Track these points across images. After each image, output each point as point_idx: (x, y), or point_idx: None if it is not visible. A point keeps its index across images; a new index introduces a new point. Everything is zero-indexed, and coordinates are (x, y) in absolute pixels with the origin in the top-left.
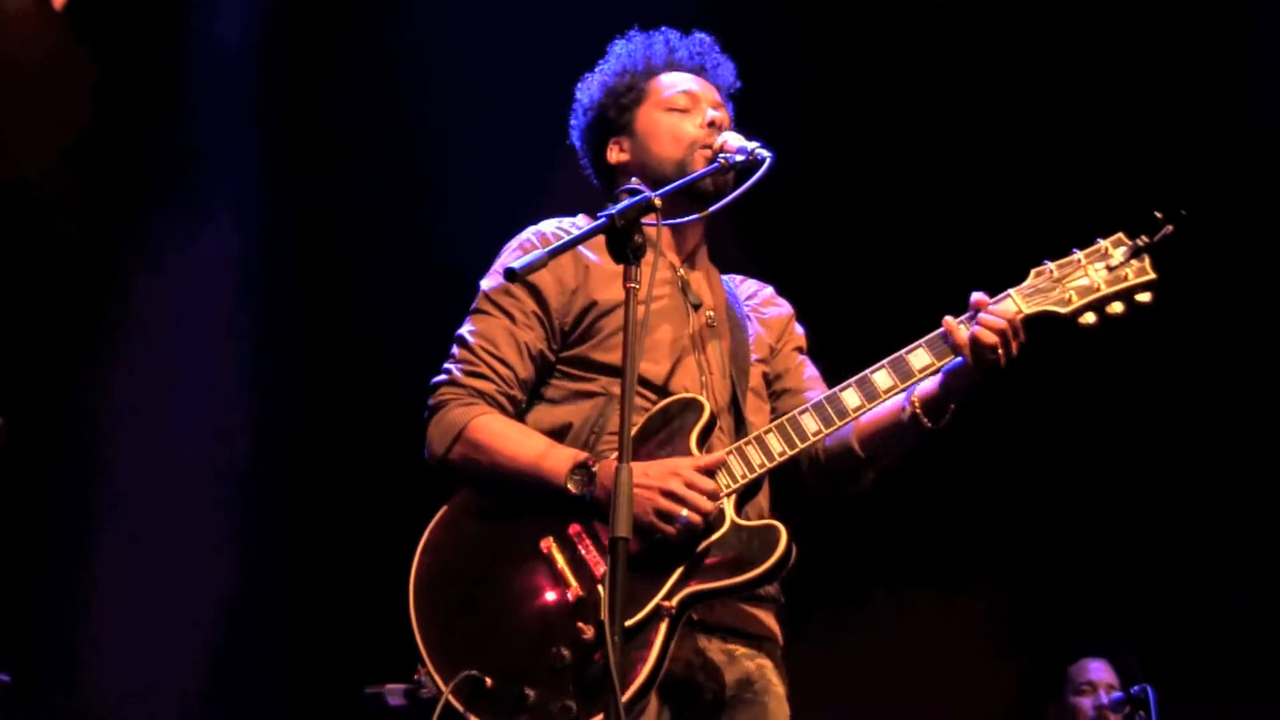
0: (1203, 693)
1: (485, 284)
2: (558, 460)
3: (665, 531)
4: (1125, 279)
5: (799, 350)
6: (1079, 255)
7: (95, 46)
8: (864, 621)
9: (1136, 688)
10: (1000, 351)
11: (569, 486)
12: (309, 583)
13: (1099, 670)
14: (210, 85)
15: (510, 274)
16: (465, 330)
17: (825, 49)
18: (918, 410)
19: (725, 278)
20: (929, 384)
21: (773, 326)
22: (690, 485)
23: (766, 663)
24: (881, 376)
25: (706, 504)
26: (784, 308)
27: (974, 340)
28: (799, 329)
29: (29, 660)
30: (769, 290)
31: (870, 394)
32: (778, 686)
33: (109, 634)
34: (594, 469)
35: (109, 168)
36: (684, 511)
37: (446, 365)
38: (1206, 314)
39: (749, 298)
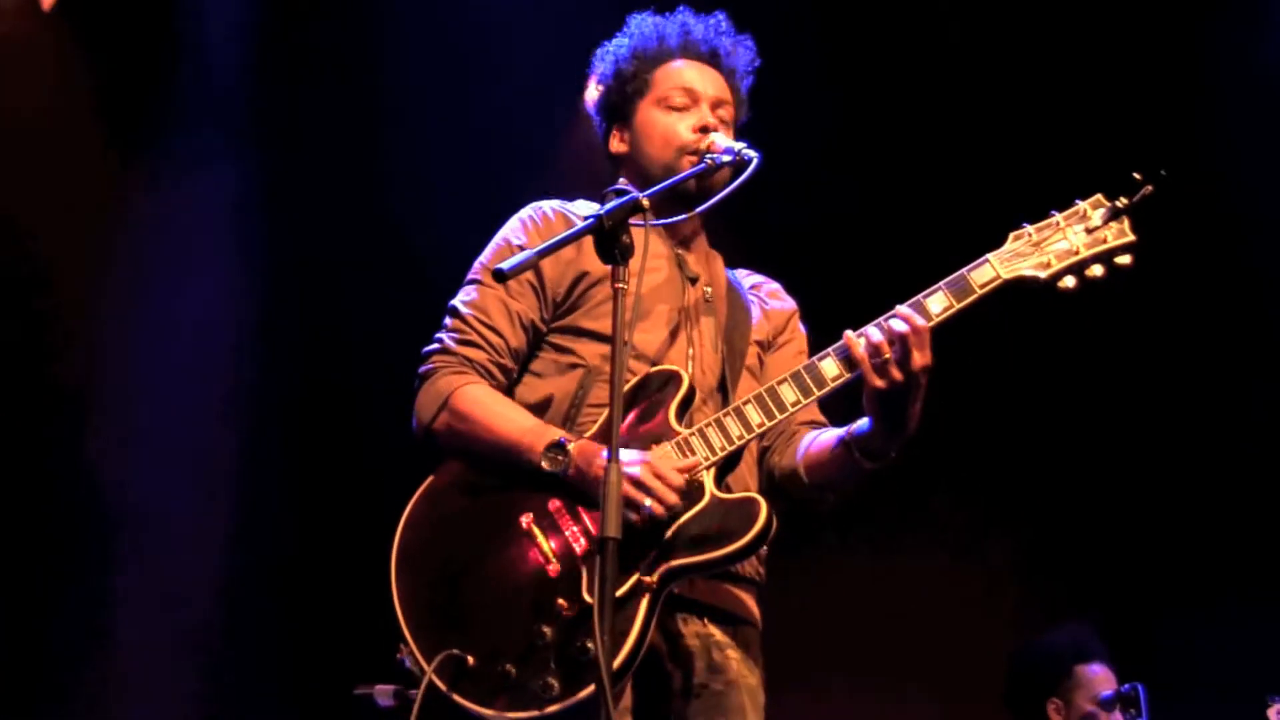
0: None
1: (482, 256)
2: (535, 437)
3: (628, 519)
4: (1105, 241)
5: (801, 353)
6: (1058, 217)
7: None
8: (853, 588)
9: (1127, 686)
10: (890, 358)
11: (543, 465)
12: (299, 583)
13: (1100, 673)
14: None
15: (499, 275)
16: (458, 300)
17: (811, 35)
18: (855, 454)
19: (733, 271)
20: (864, 423)
21: (776, 317)
22: (658, 476)
23: (739, 654)
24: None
25: (672, 497)
26: (788, 303)
27: (869, 345)
28: (802, 328)
29: (25, 662)
30: (775, 285)
31: (850, 363)
32: (749, 678)
33: (103, 636)
34: (569, 447)
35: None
36: (648, 501)
37: (438, 334)
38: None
39: (753, 287)
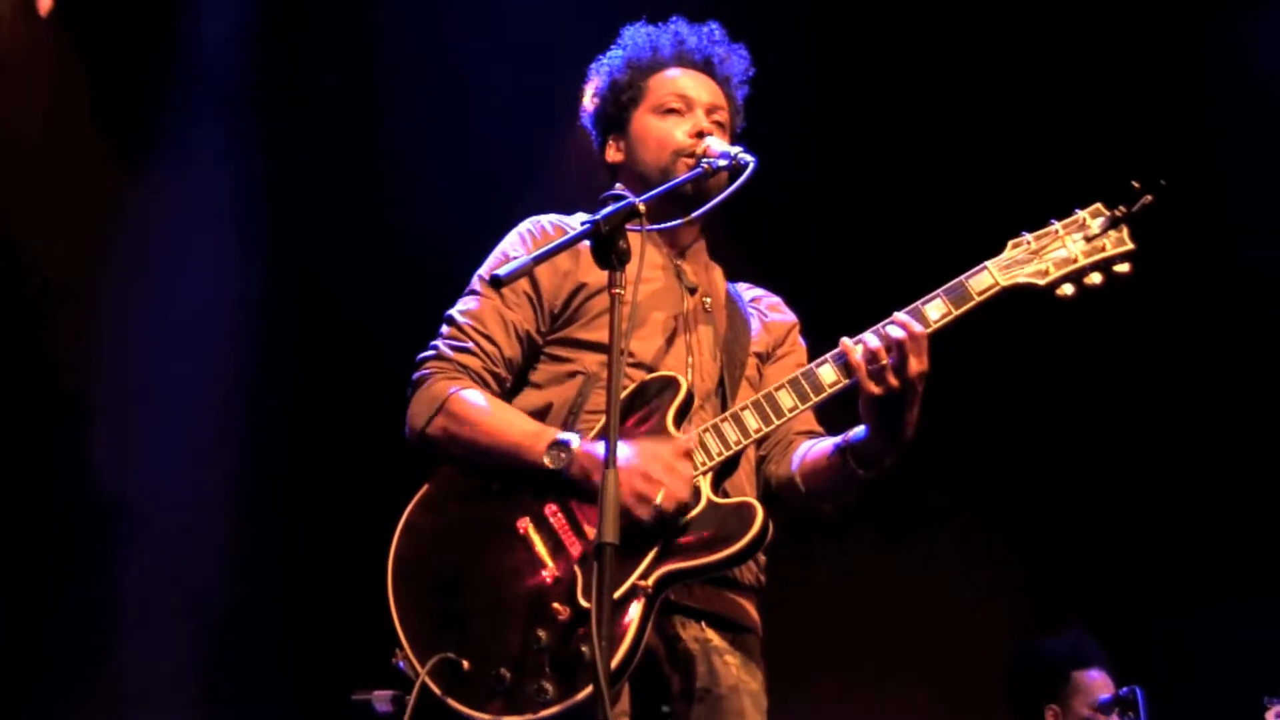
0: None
1: (481, 269)
2: (536, 437)
3: (638, 515)
4: (1103, 250)
5: (800, 366)
6: (1056, 226)
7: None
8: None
9: (1125, 689)
10: (886, 364)
11: (546, 462)
12: (297, 588)
13: (1098, 679)
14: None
15: (496, 280)
16: (455, 310)
17: (809, 40)
18: (850, 462)
19: (733, 284)
20: (860, 430)
21: (775, 330)
22: (669, 470)
23: (738, 659)
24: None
25: (684, 491)
26: (788, 316)
27: (866, 352)
28: (802, 341)
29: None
30: (776, 298)
31: (848, 369)
32: (751, 683)
33: (102, 642)
34: (572, 446)
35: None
36: (659, 495)
37: (433, 342)
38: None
39: (754, 300)
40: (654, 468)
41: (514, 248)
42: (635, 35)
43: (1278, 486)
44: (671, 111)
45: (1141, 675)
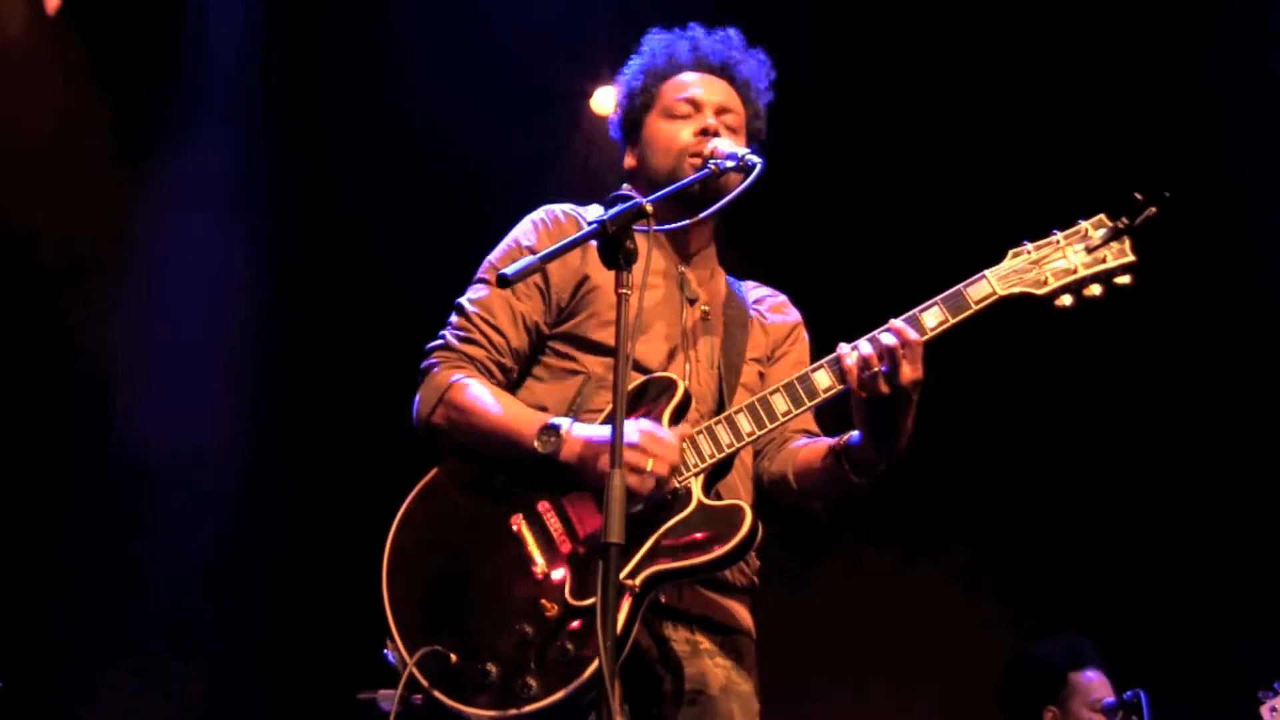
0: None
1: (492, 255)
2: (530, 423)
3: (634, 487)
4: (1104, 261)
5: (798, 364)
6: (1058, 236)
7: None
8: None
9: (1130, 693)
10: (879, 371)
11: (536, 446)
12: (302, 587)
13: (1095, 680)
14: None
15: (503, 280)
16: (464, 299)
17: (818, 45)
18: (845, 467)
19: (740, 282)
20: (855, 435)
21: (775, 331)
22: (654, 440)
23: (729, 662)
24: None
25: (673, 455)
26: (791, 315)
27: (859, 359)
28: (805, 338)
29: (24, 665)
30: (781, 298)
31: (842, 375)
32: (742, 685)
33: (104, 642)
34: (561, 430)
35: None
36: (649, 462)
37: (442, 332)
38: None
39: (757, 301)
40: (640, 439)
41: (526, 236)
42: (653, 42)
43: (1274, 490)
44: (680, 115)
45: (1142, 679)
